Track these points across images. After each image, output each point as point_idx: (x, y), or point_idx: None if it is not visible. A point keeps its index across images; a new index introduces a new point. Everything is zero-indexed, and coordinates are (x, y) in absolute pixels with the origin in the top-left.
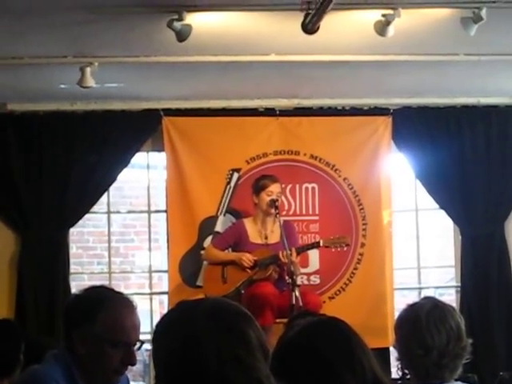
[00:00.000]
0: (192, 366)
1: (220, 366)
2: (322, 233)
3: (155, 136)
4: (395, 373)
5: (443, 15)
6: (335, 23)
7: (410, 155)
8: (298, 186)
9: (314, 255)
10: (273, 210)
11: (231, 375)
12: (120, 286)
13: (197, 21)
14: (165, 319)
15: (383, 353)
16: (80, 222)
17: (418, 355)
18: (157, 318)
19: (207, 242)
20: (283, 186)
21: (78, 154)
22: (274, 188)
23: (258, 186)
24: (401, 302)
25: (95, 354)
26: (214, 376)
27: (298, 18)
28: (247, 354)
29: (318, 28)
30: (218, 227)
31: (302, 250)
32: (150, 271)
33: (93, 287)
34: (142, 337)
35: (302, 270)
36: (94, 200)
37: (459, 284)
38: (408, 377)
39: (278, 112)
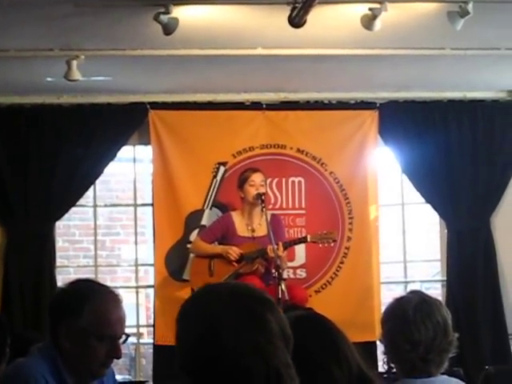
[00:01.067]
0: (210, 351)
1: (238, 353)
2: (308, 227)
3: (141, 129)
4: (381, 366)
5: (430, 9)
6: (322, 17)
7: (396, 149)
8: (284, 180)
9: (300, 249)
10: (259, 204)
11: (249, 362)
12: (106, 280)
13: (183, 14)
14: (189, 302)
15: (370, 347)
16: (66, 215)
17: (405, 350)
18: (143, 312)
19: (193, 235)
20: (270, 179)
21: (64, 148)
22: (256, 177)
23: (241, 180)
24: (387, 295)
25: (81, 348)
26: (231, 362)
27: (285, 11)
28: (266, 342)
29: (305, 22)
30: (204, 221)
31: (289, 244)
32: (136, 265)
33: (79, 280)
34: (127, 330)
35: (289, 264)
36: (81, 193)
37: (445, 278)
38: (394, 371)
39: (264, 106)
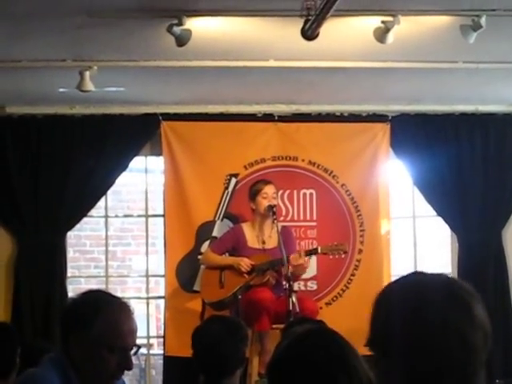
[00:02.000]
0: (421, 336)
1: (445, 338)
2: (319, 239)
3: (153, 140)
4: None
5: (443, 23)
6: (335, 29)
7: (407, 162)
8: (295, 192)
9: (311, 261)
10: (270, 216)
11: (452, 348)
12: (117, 290)
13: (196, 26)
14: (395, 287)
15: None
16: (77, 225)
17: None
18: (153, 323)
19: (204, 246)
20: (281, 191)
21: (76, 158)
22: (268, 189)
23: (253, 191)
24: None
25: (91, 359)
26: (437, 346)
27: (298, 23)
28: (472, 333)
29: (318, 34)
30: (216, 232)
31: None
32: (147, 275)
33: (90, 291)
34: (137, 341)
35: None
36: (92, 204)
37: None
38: None
39: (276, 117)
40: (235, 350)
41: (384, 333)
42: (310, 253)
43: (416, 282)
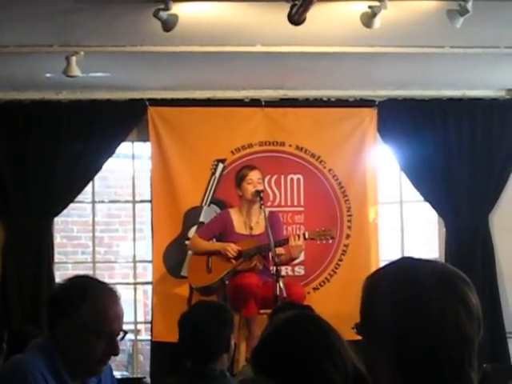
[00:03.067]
0: (415, 322)
1: (442, 326)
2: (306, 224)
3: (140, 126)
4: None
5: (429, 7)
6: (321, 14)
7: (395, 147)
8: (283, 177)
9: None
10: (258, 201)
11: (448, 336)
12: (104, 276)
13: (183, 10)
14: (385, 272)
15: None
16: (64, 211)
17: None
18: (141, 308)
19: (191, 232)
20: (268, 177)
21: (63, 144)
22: (253, 175)
23: (238, 178)
24: None
25: (78, 344)
26: (432, 333)
27: (285, 8)
28: (466, 321)
29: (305, 19)
30: (203, 218)
31: (287, 241)
32: (135, 261)
33: (77, 277)
34: (125, 326)
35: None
36: (79, 189)
37: None
38: None
39: (263, 103)
40: (217, 333)
41: (374, 319)
42: (283, 242)
43: (408, 268)
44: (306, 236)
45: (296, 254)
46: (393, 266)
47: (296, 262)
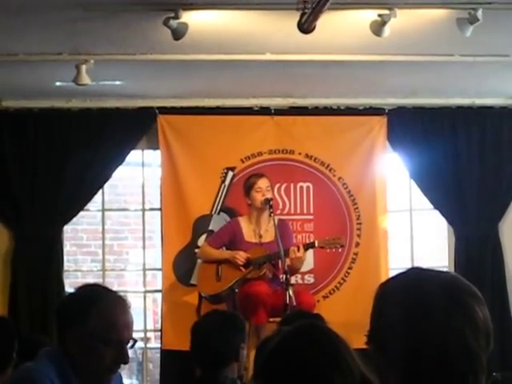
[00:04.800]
0: (417, 335)
1: (445, 341)
2: (316, 232)
3: (150, 134)
4: None
5: (439, 16)
6: (331, 23)
7: (404, 155)
8: (292, 185)
9: (308, 255)
10: (267, 209)
11: (453, 352)
12: (114, 284)
13: (193, 19)
14: (394, 283)
15: None
16: (74, 219)
17: None
18: (150, 316)
19: (201, 240)
20: (278, 185)
21: (72, 152)
22: (262, 183)
23: (247, 186)
24: None
25: (88, 353)
26: (436, 349)
27: (294, 17)
28: (472, 337)
29: (314, 27)
30: (212, 226)
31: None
32: (144, 269)
33: (86, 285)
34: (134, 335)
35: None
36: (89, 197)
37: None
38: None
39: (273, 111)
40: (228, 342)
41: (382, 329)
42: (307, 247)
43: (417, 281)
44: (316, 244)
45: (297, 265)
46: (402, 276)
47: (305, 270)
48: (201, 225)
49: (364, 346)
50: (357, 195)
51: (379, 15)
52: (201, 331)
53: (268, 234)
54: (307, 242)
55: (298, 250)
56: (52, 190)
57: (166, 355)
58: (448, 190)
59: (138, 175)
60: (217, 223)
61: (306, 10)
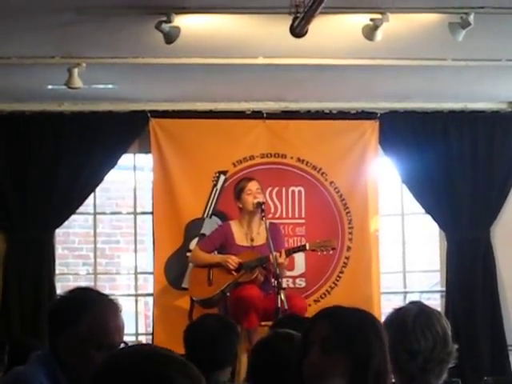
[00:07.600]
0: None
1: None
2: (308, 236)
3: (142, 137)
4: None
5: (431, 20)
6: (323, 27)
7: (396, 159)
8: (284, 189)
9: (299, 258)
10: (259, 212)
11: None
12: (105, 288)
13: (185, 23)
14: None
15: None
16: (66, 222)
17: (404, 359)
18: (142, 320)
19: (193, 244)
20: (269, 189)
21: (64, 155)
22: (252, 186)
23: (238, 190)
24: (386, 306)
25: (79, 356)
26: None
27: (287, 21)
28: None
29: (307, 31)
30: (204, 229)
31: (289, 252)
32: (136, 273)
33: (77, 289)
34: (126, 338)
35: (288, 273)
36: (80, 201)
37: (444, 289)
38: (393, 381)
39: (265, 115)
40: (231, 346)
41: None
42: (297, 250)
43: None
44: (307, 247)
45: (280, 271)
46: None
47: (297, 274)
48: (193, 228)
49: None
50: (348, 199)
51: (371, 19)
52: (201, 334)
53: (260, 237)
54: (298, 245)
55: (280, 255)
56: (44, 193)
57: None
58: (440, 195)
59: (130, 179)
60: (209, 227)
61: (299, 14)
